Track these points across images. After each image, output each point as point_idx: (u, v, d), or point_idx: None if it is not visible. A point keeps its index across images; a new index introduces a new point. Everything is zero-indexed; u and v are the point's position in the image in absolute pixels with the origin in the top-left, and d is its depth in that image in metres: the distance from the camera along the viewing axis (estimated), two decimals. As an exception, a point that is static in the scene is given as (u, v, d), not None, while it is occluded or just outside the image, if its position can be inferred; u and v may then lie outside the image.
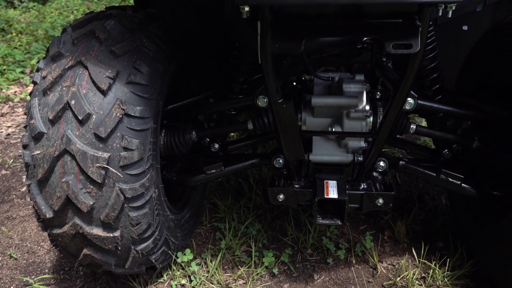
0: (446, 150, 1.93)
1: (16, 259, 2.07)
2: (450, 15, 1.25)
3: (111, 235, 1.51)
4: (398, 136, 1.98)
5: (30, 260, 2.06)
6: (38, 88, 1.48)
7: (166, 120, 1.95)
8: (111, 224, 1.49)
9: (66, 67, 1.46)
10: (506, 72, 1.66)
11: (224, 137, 2.12)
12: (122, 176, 1.45)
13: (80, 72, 1.45)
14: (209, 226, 2.26)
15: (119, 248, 1.55)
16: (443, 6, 1.22)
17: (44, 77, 1.48)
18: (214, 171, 1.88)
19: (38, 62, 1.94)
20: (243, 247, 2.07)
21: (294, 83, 2.01)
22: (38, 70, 1.54)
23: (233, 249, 2.05)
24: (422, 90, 1.90)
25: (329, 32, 1.33)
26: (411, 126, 1.81)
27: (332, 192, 1.62)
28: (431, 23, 1.78)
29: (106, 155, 1.42)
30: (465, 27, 2.29)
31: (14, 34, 5.65)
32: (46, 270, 2.00)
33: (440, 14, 1.27)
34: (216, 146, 2.04)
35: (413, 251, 2.00)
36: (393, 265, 1.99)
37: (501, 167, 1.74)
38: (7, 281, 1.94)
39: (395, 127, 1.79)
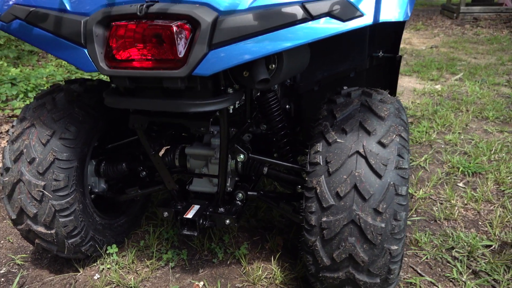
0: (298, 186, 2.63)
1: (12, 242, 3.06)
2: (231, 111, 2.00)
3: (50, 232, 2.42)
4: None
5: (20, 244, 3.04)
6: (10, 139, 2.42)
7: (109, 154, 2.83)
8: (48, 225, 2.39)
9: (25, 127, 2.38)
10: None
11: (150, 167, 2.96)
12: (52, 196, 2.34)
13: (32, 131, 2.37)
14: (145, 229, 3.12)
15: (55, 241, 2.45)
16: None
17: (13, 132, 2.42)
18: (132, 192, 2.74)
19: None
20: (159, 247, 2.91)
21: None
22: (12, 126, 2.48)
23: (151, 247, 2.90)
24: (278, 150, 2.59)
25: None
26: (264, 169, 2.54)
27: (191, 213, 2.41)
28: (273, 93, 2.48)
29: (43, 183, 2.32)
30: None
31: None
32: (28, 252, 2.97)
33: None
34: (144, 173, 2.90)
35: (272, 258, 2.73)
36: (259, 267, 2.73)
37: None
38: (2, 257, 2.93)
39: (250, 169, 2.54)
